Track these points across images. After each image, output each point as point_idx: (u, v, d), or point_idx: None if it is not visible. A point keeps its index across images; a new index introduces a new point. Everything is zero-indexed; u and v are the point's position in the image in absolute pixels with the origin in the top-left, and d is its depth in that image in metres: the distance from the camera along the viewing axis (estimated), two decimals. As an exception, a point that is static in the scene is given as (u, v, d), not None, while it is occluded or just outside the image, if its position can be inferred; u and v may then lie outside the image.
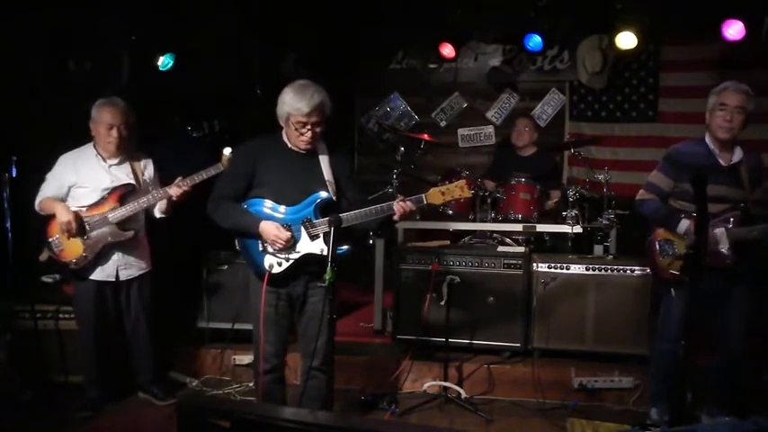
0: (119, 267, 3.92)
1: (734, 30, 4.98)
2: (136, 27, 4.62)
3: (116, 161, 3.94)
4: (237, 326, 4.45)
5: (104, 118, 3.83)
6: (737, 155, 3.42)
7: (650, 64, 6.53)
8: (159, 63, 4.73)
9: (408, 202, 3.14)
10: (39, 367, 4.14)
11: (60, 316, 4.26)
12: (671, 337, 3.56)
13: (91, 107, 3.87)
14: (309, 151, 3.26)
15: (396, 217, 3.13)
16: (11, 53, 4.48)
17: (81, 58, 4.59)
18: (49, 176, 3.89)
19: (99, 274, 3.88)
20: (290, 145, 3.25)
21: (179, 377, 4.48)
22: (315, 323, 3.29)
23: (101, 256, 3.85)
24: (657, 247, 3.59)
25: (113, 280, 3.92)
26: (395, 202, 3.13)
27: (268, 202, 3.21)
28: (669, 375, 3.64)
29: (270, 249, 3.21)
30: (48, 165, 4.35)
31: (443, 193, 3.14)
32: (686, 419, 2.87)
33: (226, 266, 4.63)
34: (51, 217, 3.81)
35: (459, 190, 3.13)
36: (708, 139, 3.46)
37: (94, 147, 3.93)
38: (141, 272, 4.03)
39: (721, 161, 3.41)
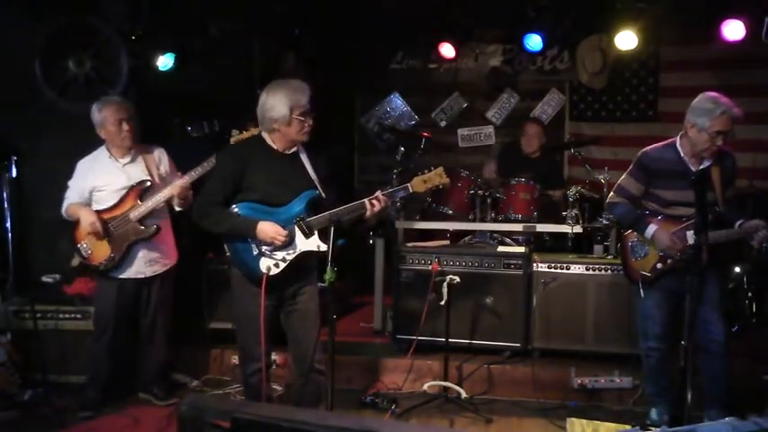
0: (145, 264, 3.94)
1: (734, 30, 4.97)
2: (136, 27, 4.62)
3: (128, 159, 3.94)
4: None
5: (112, 115, 3.83)
6: (708, 159, 3.38)
7: (650, 64, 6.53)
8: (159, 63, 4.73)
9: (382, 196, 3.18)
10: (39, 367, 4.14)
11: (60, 316, 4.26)
12: (651, 335, 3.58)
13: (92, 113, 3.84)
14: (293, 152, 3.29)
15: (368, 214, 3.18)
16: (11, 53, 4.48)
17: (81, 58, 4.59)
18: (71, 183, 3.94)
19: (128, 272, 3.91)
20: (275, 147, 3.25)
21: (182, 378, 4.47)
22: (307, 322, 3.30)
23: (127, 255, 3.87)
24: (630, 247, 3.61)
25: (142, 277, 3.95)
26: (366, 199, 3.17)
27: (257, 205, 3.18)
28: (662, 374, 3.64)
29: (266, 251, 3.17)
30: (47, 165, 4.36)
31: (425, 182, 3.25)
32: (686, 419, 2.86)
33: (226, 266, 4.61)
34: (77, 223, 3.84)
35: (438, 177, 3.24)
36: (679, 145, 3.43)
37: (107, 149, 3.94)
38: (165, 267, 4.05)
39: (692, 166, 3.39)
